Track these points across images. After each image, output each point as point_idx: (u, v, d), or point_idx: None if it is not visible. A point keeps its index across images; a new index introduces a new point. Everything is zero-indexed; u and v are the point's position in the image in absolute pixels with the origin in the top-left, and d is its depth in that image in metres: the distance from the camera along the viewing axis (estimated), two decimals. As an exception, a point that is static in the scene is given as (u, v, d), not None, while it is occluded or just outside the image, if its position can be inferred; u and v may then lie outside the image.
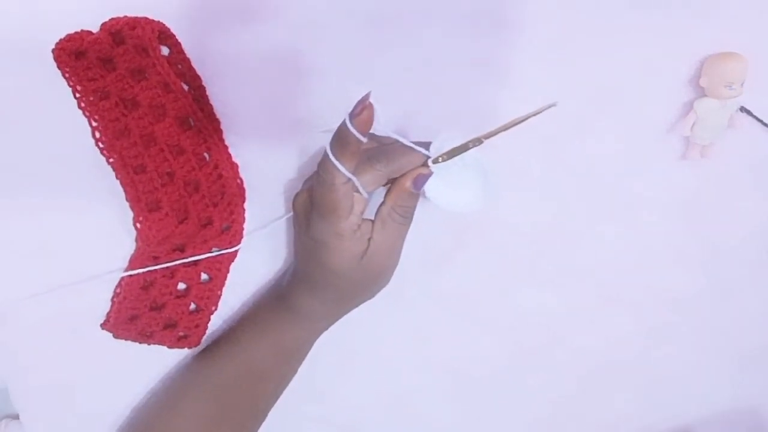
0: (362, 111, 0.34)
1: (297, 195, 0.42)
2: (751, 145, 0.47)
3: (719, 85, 0.43)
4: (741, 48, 0.43)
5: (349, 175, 0.37)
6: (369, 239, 0.40)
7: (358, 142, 0.35)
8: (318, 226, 0.39)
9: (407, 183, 0.39)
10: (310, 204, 0.39)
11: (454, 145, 0.38)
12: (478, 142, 0.38)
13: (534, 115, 0.36)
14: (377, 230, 0.40)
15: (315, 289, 0.43)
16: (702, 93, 0.44)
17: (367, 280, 0.42)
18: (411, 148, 0.38)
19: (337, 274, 0.40)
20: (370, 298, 0.44)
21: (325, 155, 0.37)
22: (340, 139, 0.36)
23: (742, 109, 0.45)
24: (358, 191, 0.38)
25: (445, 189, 0.40)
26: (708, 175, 0.47)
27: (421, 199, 0.40)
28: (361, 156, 0.37)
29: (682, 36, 0.44)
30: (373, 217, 0.40)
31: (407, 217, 0.40)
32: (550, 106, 0.35)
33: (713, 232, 0.48)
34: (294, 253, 0.44)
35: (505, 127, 0.37)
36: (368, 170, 0.38)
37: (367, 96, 0.34)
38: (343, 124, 0.35)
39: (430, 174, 0.39)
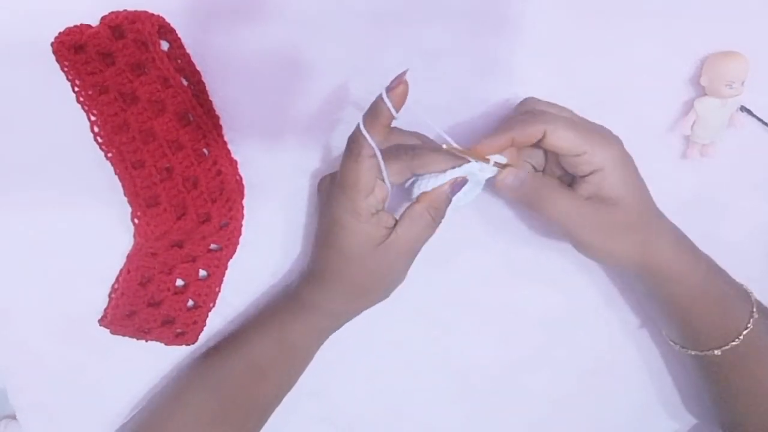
0: (398, 85, 0.36)
1: (322, 178, 0.43)
2: (751, 144, 0.46)
3: (720, 84, 0.43)
4: (741, 47, 0.43)
5: (375, 148, 0.37)
6: (390, 229, 0.40)
7: (390, 116, 0.36)
8: (337, 202, 0.39)
9: (446, 186, 0.39)
10: (333, 183, 0.40)
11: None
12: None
13: None
14: (404, 225, 0.40)
15: (323, 281, 0.42)
16: (702, 92, 0.44)
17: (377, 274, 0.41)
18: (444, 153, 0.38)
19: (348, 259, 0.40)
20: (375, 301, 0.43)
21: (357, 127, 0.38)
22: (373, 111, 0.37)
23: (743, 109, 0.45)
24: (382, 177, 0.39)
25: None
26: (708, 175, 0.47)
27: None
28: (390, 143, 0.39)
29: (682, 35, 0.44)
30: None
31: (436, 220, 0.40)
32: None
33: (713, 231, 0.48)
34: (312, 243, 0.44)
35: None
36: (394, 159, 0.39)
37: (404, 72, 0.36)
38: (379, 97, 0.36)
39: (466, 181, 0.40)
